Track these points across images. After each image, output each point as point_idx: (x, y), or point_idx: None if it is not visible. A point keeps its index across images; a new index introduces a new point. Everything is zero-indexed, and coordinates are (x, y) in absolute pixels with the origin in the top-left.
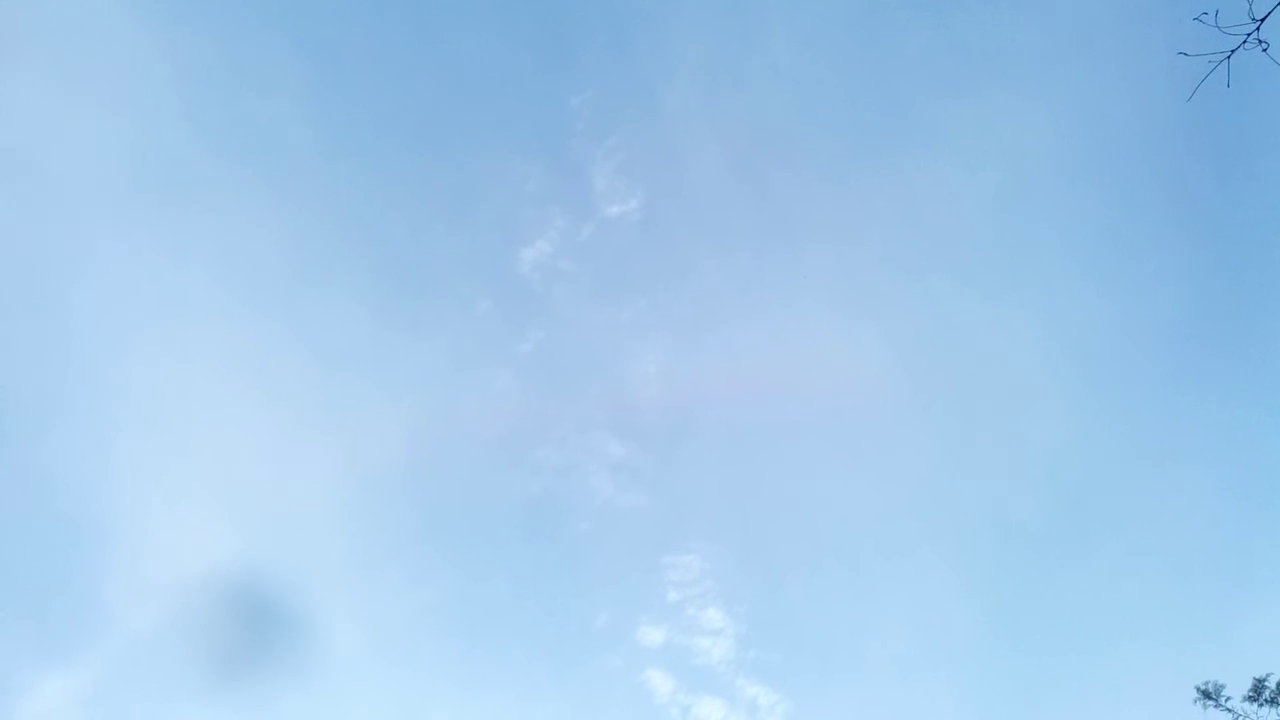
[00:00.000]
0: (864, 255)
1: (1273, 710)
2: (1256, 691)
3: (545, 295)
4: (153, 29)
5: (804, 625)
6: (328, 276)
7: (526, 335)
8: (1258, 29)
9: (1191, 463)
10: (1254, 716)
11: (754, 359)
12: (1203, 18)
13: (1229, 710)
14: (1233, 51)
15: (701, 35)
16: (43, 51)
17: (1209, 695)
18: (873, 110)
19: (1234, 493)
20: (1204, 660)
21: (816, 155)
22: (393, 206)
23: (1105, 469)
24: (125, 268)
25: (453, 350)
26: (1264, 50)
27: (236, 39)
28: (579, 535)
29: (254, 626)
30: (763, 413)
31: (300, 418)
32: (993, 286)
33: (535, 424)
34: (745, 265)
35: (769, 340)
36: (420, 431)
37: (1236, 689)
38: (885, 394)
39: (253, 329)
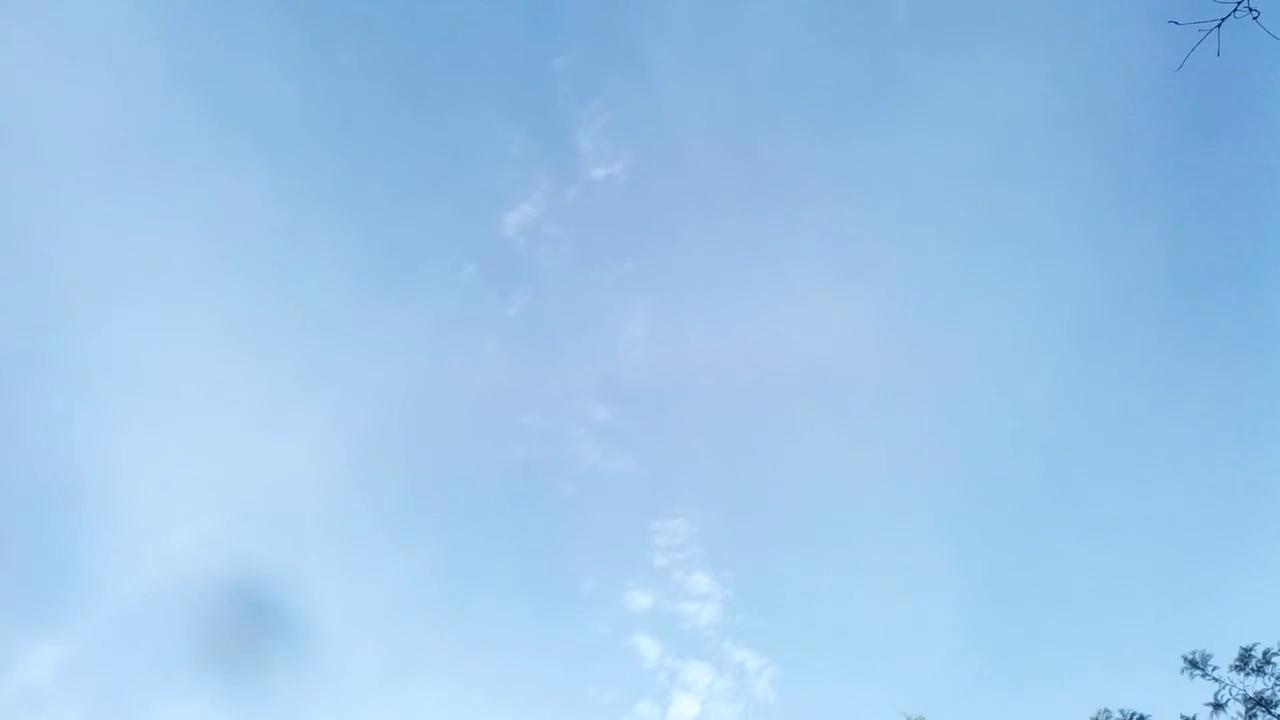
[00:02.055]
0: (853, 218)
1: (1259, 679)
2: (1243, 661)
3: (530, 259)
4: None
5: (791, 589)
6: (311, 241)
7: (512, 300)
8: None
9: (1181, 426)
10: (1240, 685)
11: (742, 323)
12: None
13: (1215, 680)
14: (1223, 20)
15: None
16: (27, 15)
17: (1196, 665)
18: (862, 72)
19: (1224, 458)
20: (1192, 624)
21: (804, 117)
22: (376, 170)
23: (1094, 432)
24: (110, 232)
25: (438, 315)
26: (1255, 18)
27: (220, 2)
28: (566, 500)
29: (242, 594)
30: (750, 376)
31: (286, 383)
32: (982, 250)
33: (521, 389)
34: (733, 228)
35: (757, 304)
36: (406, 397)
37: (1223, 655)
38: (874, 358)
39: (237, 294)
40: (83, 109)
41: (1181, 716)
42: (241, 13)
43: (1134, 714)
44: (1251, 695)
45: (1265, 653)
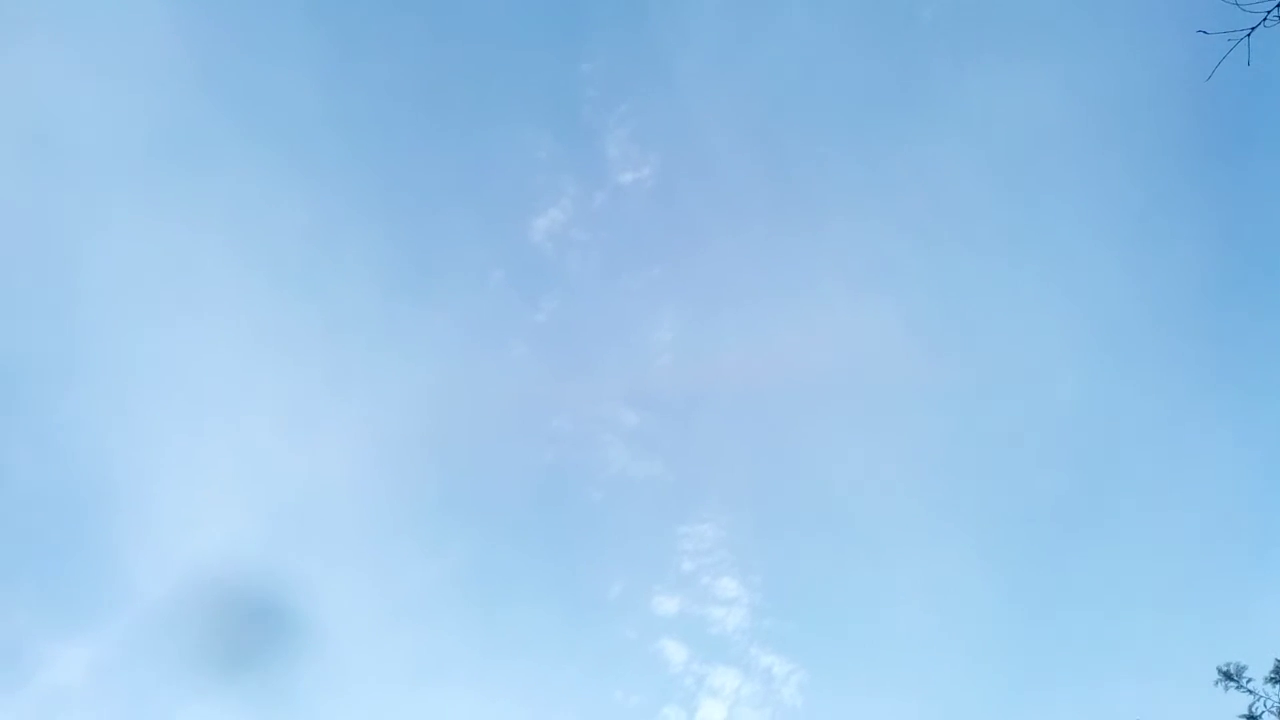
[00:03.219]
0: (881, 225)
1: None
2: (1278, 672)
3: (558, 264)
4: None
5: (819, 595)
6: (340, 247)
7: (540, 305)
8: (1278, 6)
9: (1215, 434)
10: (1276, 698)
11: (770, 328)
12: None
13: (1250, 692)
14: (1253, 29)
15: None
16: (54, 22)
17: (1230, 676)
18: (889, 78)
19: (1259, 466)
20: (1225, 633)
21: (832, 122)
22: (404, 176)
23: (1124, 439)
24: (139, 239)
25: (466, 321)
26: None
27: (247, 7)
28: (593, 505)
29: (269, 596)
30: (778, 382)
31: (315, 387)
32: (1010, 259)
33: (549, 394)
34: (761, 233)
35: (785, 309)
36: (435, 402)
37: (1258, 667)
38: (902, 365)
39: (267, 300)
40: (113, 117)
41: None
42: (268, 20)
43: None
44: None
45: None
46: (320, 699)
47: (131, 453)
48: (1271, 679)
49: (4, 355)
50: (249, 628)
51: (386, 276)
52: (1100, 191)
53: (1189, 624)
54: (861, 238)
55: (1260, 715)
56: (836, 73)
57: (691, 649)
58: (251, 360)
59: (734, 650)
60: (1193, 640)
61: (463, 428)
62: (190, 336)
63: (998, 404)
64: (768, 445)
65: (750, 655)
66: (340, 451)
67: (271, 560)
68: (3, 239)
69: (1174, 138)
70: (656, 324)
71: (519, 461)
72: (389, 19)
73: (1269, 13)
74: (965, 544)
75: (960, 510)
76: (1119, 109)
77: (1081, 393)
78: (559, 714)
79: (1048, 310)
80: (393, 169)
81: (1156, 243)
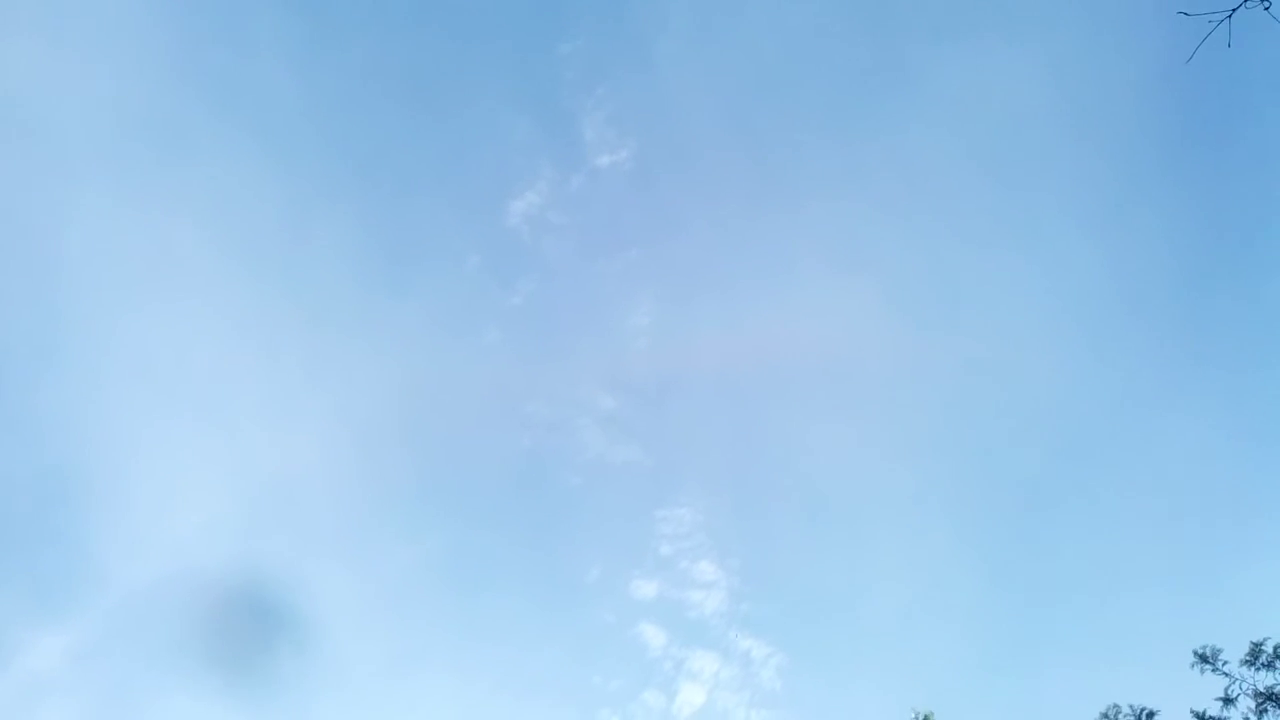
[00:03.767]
0: (858, 208)
1: (1269, 674)
2: (1254, 655)
3: (534, 248)
4: None
5: (797, 578)
6: (316, 233)
7: (516, 289)
8: None
9: (1192, 419)
10: (1251, 680)
11: (748, 312)
12: None
13: (1226, 675)
14: (1233, 11)
15: None
16: (29, 9)
17: (1206, 659)
18: (868, 60)
19: (1234, 451)
20: (1202, 619)
21: (810, 105)
22: (380, 160)
23: (1103, 425)
24: (116, 225)
25: (442, 305)
26: (1265, 9)
27: None
28: (571, 489)
29: (247, 584)
30: (756, 365)
31: (291, 373)
32: (988, 239)
33: (526, 378)
34: (738, 217)
35: (762, 293)
36: (410, 388)
37: (1233, 650)
38: (880, 349)
39: (242, 286)
40: (89, 104)
41: (1192, 711)
42: (242, 5)
43: (1144, 709)
44: (1262, 690)
45: (1276, 648)
46: (298, 685)
47: (108, 440)
48: (1247, 662)
49: None
50: (226, 616)
51: (361, 261)
52: (1080, 174)
53: (1167, 608)
54: (839, 222)
55: (1236, 698)
56: (816, 56)
57: (670, 633)
58: (226, 347)
59: (713, 634)
60: (1170, 624)
61: (439, 414)
62: (166, 324)
63: (976, 388)
64: (745, 429)
65: (729, 639)
66: (315, 438)
67: (248, 548)
68: None
69: (1154, 119)
70: (634, 308)
71: (496, 447)
72: (366, 1)
73: None
74: (944, 527)
75: (939, 493)
76: (1098, 91)
77: (1060, 377)
78: (538, 699)
79: (1027, 295)
80: (367, 152)
81: (1136, 226)
